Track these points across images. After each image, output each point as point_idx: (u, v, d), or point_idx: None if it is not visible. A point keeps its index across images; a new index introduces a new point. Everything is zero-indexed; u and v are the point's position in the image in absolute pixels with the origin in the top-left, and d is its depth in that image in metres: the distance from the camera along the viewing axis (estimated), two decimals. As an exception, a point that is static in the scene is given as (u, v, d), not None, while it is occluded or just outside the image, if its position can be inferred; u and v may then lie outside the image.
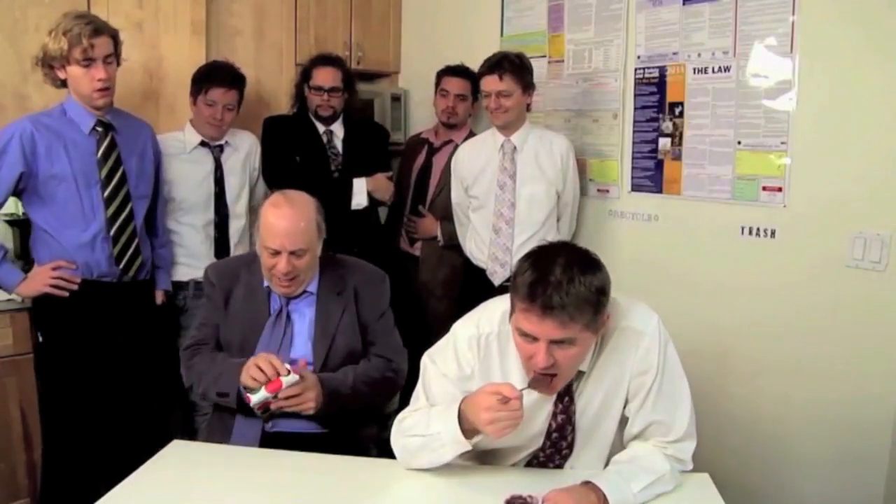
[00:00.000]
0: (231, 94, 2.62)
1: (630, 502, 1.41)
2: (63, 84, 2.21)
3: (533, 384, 1.42)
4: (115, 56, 2.23)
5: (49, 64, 2.17)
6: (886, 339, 2.09)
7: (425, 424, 1.48)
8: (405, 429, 1.53)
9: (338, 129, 2.92)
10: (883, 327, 2.10)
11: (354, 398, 1.86)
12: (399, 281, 2.88)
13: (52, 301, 2.22)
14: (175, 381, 2.37)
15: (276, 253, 1.82)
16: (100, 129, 2.25)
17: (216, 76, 2.60)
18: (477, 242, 2.70)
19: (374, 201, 2.90)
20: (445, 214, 2.91)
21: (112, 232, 2.26)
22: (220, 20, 2.94)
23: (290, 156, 2.82)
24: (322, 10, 3.23)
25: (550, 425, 1.54)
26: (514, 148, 2.62)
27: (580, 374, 1.52)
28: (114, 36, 2.22)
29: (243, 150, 2.78)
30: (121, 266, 2.29)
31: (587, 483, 1.41)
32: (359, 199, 2.84)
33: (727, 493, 1.51)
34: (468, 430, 1.43)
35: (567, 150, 2.64)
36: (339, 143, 2.91)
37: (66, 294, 2.22)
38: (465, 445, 1.43)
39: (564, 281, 1.33)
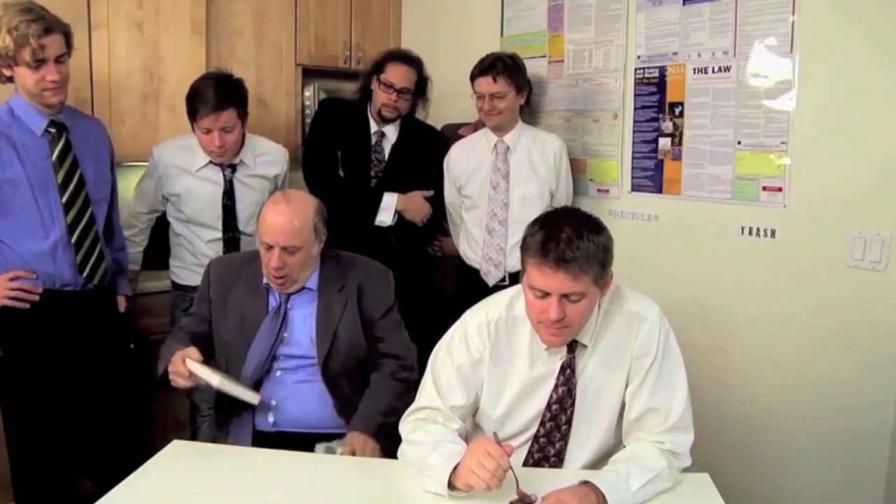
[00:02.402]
0: (226, 116, 2.36)
1: (629, 501, 1.42)
2: (10, 80, 2.02)
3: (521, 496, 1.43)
4: (67, 53, 2.04)
5: None
6: (886, 339, 2.09)
7: (430, 450, 1.49)
8: (416, 441, 1.55)
9: (391, 132, 2.75)
10: (883, 327, 2.10)
11: (390, 415, 1.83)
12: (422, 282, 2.85)
13: (11, 313, 2.05)
14: (145, 385, 2.32)
15: (270, 248, 1.86)
16: (52, 129, 2.07)
17: (201, 101, 2.34)
18: (470, 243, 2.69)
19: (405, 220, 2.73)
20: None
21: (74, 239, 2.10)
22: (220, 20, 2.94)
23: (332, 148, 2.69)
24: (322, 10, 3.24)
25: (551, 396, 1.58)
26: (508, 148, 2.61)
27: (583, 347, 1.57)
28: (65, 31, 2.02)
29: (264, 169, 2.57)
30: (84, 274, 2.12)
31: (586, 483, 1.41)
32: (383, 217, 2.67)
33: (727, 493, 1.51)
34: (452, 482, 1.43)
35: (560, 149, 2.65)
36: (387, 148, 2.75)
37: (27, 306, 2.05)
38: (443, 491, 1.44)
39: (574, 237, 1.43)
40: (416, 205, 2.73)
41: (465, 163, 2.68)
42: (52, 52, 1.97)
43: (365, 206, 2.68)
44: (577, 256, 1.41)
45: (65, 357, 2.12)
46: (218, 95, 2.35)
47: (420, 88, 2.74)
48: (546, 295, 1.45)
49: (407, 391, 1.92)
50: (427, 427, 1.57)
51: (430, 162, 2.77)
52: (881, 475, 2.11)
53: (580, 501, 1.37)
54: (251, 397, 1.81)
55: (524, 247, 1.50)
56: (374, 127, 2.74)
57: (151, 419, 2.70)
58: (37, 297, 2.07)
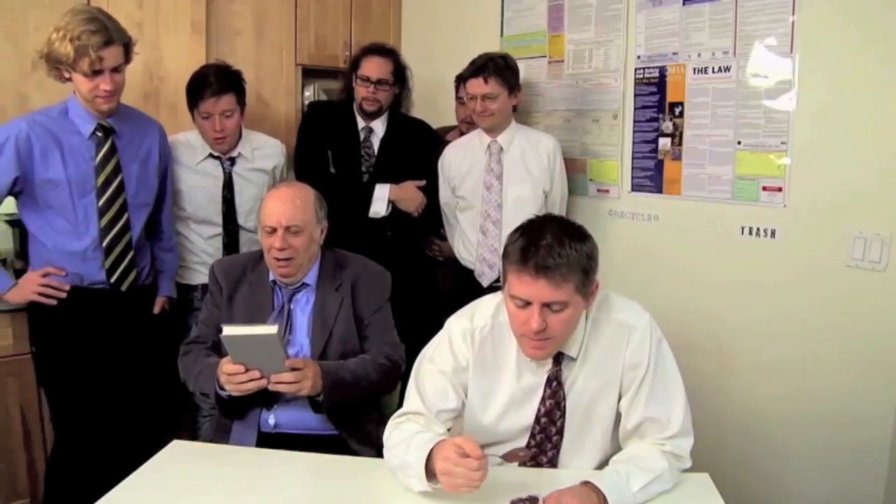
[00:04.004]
0: (225, 100, 2.44)
1: (629, 502, 1.41)
2: (69, 79, 2.07)
3: (507, 457, 1.42)
4: (125, 63, 2.10)
5: (55, 66, 2.03)
6: (886, 339, 2.09)
7: (405, 448, 1.46)
8: (392, 444, 1.52)
9: (378, 126, 2.76)
10: (883, 327, 2.10)
11: (356, 384, 1.85)
12: (423, 285, 2.85)
13: (43, 309, 2.14)
14: (178, 386, 2.35)
15: (273, 231, 1.87)
16: (100, 133, 2.14)
17: (202, 85, 2.43)
18: (465, 243, 2.69)
19: (400, 212, 2.73)
20: None
21: (105, 243, 2.15)
22: (220, 20, 2.94)
23: (322, 147, 2.71)
24: (322, 10, 3.24)
25: (539, 409, 1.55)
26: (501, 149, 2.60)
27: (570, 360, 1.54)
28: (125, 43, 2.07)
29: (263, 162, 2.63)
30: (112, 279, 2.18)
31: (587, 483, 1.41)
32: (377, 208, 2.68)
33: (727, 493, 1.51)
34: (433, 472, 1.40)
35: (553, 149, 2.62)
36: (375, 143, 2.75)
37: (55, 302, 2.13)
38: (427, 486, 1.41)
39: (555, 244, 1.40)
40: (409, 194, 2.73)
41: (458, 163, 2.68)
42: (109, 63, 2.01)
43: (358, 199, 2.69)
44: (558, 264, 1.38)
45: (95, 354, 2.16)
46: (219, 80, 2.44)
47: (399, 78, 2.75)
48: (527, 304, 1.42)
49: (385, 377, 1.93)
50: (403, 426, 1.54)
51: (420, 153, 2.79)
52: (881, 474, 2.11)
53: (581, 502, 1.37)
54: (269, 329, 1.69)
55: (505, 255, 1.47)
56: (361, 123, 2.76)
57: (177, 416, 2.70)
58: (64, 295, 2.13)
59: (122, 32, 2.06)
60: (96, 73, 2.01)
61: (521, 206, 2.55)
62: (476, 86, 2.50)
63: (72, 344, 2.16)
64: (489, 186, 2.59)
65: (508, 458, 1.43)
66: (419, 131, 2.89)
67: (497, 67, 2.48)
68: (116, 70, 2.05)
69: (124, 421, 2.25)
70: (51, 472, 2.27)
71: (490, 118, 2.54)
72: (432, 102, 3.19)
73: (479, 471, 1.34)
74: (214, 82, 2.43)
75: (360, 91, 2.69)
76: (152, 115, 2.75)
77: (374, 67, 2.68)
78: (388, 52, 2.73)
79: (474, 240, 2.63)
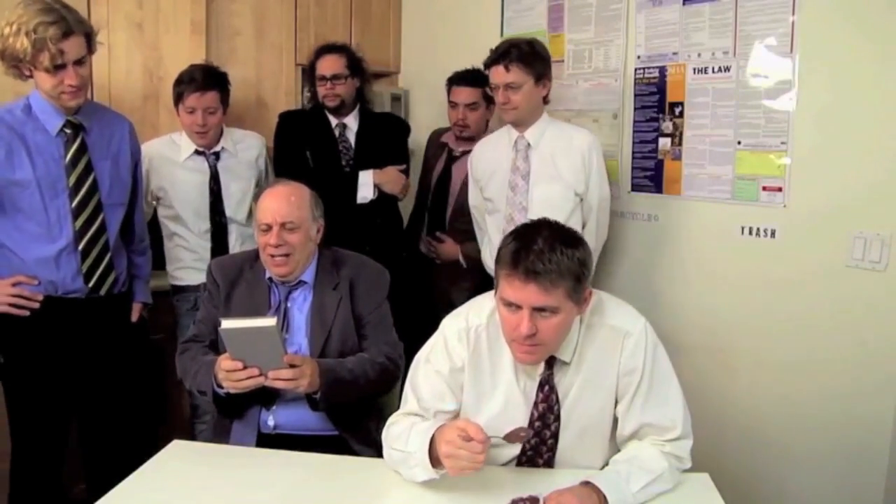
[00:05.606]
0: (209, 97, 2.49)
1: (629, 502, 1.41)
2: (30, 77, 1.93)
3: (509, 437, 1.43)
4: (88, 54, 1.95)
5: (13, 64, 1.89)
6: (886, 338, 2.09)
7: (406, 440, 1.48)
8: (391, 438, 1.53)
9: (351, 122, 2.83)
10: (883, 327, 2.10)
11: (355, 383, 1.84)
12: (417, 286, 2.84)
13: (12, 320, 1.99)
14: (159, 396, 2.31)
15: (269, 228, 1.87)
16: (68, 130, 2.00)
17: (189, 80, 2.48)
18: (490, 250, 2.43)
19: (387, 196, 2.79)
20: (467, 228, 2.69)
21: (81, 246, 2.02)
22: (220, 20, 2.94)
23: (300, 150, 2.75)
24: (322, 10, 3.23)
25: (532, 414, 1.54)
26: (528, 145, 2.38)
27: (564, 364, 1.53)
28: (87, 33, 1.93)
29: (246, 154, 2.68)
30: (90, 283, 2.05)
31: (587, 483, 1.41)
32: (364, 193, 2.72)
33: (727, 493, 1.51)
34: (437, 458, 1.41)
35: (589, 146, 2.37)
36: (351, 137, 2.81)
37: (27, 313, 1.99)
38: (432, 473, 1.42)
39: (546, 249, 1.39)
40: (391, 176, 2.78)
41: (486, 162, 2.48)
42: (71, 56, 1.88)
43: (345, 188, 2.73)
44: (548, 269, 1.37)
45: (67, 365, 2.06)
46: (204, 77, 2.50)
47: (354, 71, 2.80)
48: (518, 308, 1.41)
49: (383, 377, 1.92)
50: (400, 422, 1.55)
51: (394, 140, 2.88)
52: (881, 473, 2.12)
53: (581, 502, 1.37)
54: (267, 321, 1.67)
55: (497, 258, 1.46)
56: (334, 122, 2.82)
57: (161, 421, 2.69)
58: (36, 305, 2.01)
59: (82, 22, 1.93)
60: (58, 67, 1.87)
61: (548, 209, 2.20)
62: (498, 74, 2.29)
63: (44, 358, 2.03)
64: (514, 186, 2.38)
65: (510, 438, 1.43)
66: (390, 120, 2.99)
67: (521, 54, 2.26)
68: (80, 63, 1.91)
69: (98, 438, 2.18)
70: (13, 486, 2.14)
71: (514, 111, 2.32)
72: (432, 102, 3.19)
73: (482, 453, 1.35)
74: (200, 79, 2.49)
75: (321, 90, 2.78)
76: (152, 116, 2.77)
77: (326, 65, 2.76)
78: (339, 49, 2.81)
79: (497, 245, 2.47)
